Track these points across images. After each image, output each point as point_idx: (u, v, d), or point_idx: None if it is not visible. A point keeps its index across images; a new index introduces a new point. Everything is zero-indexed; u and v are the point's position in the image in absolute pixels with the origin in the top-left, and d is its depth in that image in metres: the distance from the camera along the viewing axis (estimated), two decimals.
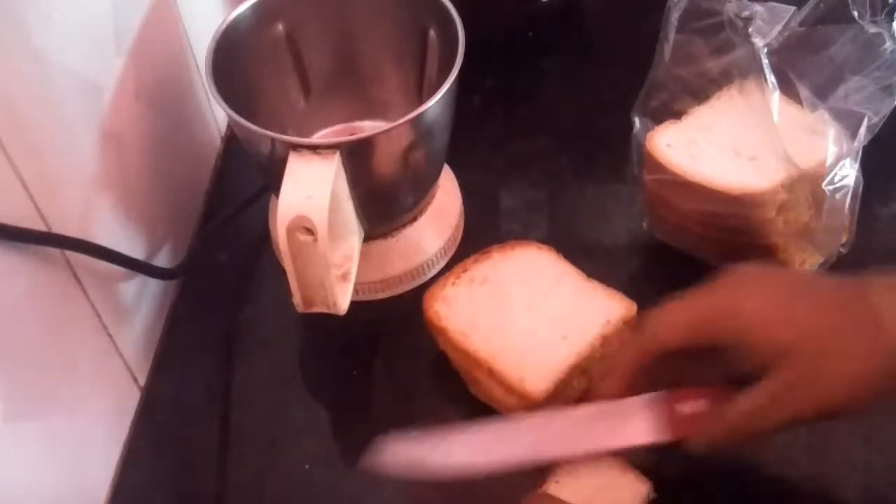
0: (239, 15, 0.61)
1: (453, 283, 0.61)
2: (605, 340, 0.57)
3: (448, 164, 0.69)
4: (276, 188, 0.53)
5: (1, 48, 0.46)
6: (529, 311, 0.59)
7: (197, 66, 0.72)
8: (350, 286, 0.57)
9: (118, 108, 0.59)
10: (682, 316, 0.49)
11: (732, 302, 0.48)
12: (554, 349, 0.56)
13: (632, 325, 0.56)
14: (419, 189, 0.64)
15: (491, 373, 0.56)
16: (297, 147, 0.53)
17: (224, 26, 0.60)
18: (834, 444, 0.56)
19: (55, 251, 0.52)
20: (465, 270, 0.61)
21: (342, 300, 0.56)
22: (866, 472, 0.55)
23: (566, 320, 0.58)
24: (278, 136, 0.55)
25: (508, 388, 0.55)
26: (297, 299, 0.55)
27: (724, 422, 0.47)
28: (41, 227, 0.50)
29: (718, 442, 0.48)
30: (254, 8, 0.62)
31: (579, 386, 0.58)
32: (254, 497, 0.57)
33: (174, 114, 0.69)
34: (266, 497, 0.57)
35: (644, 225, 0.67)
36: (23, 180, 0.48)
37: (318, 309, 0.56)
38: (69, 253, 0.53)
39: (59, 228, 0.51)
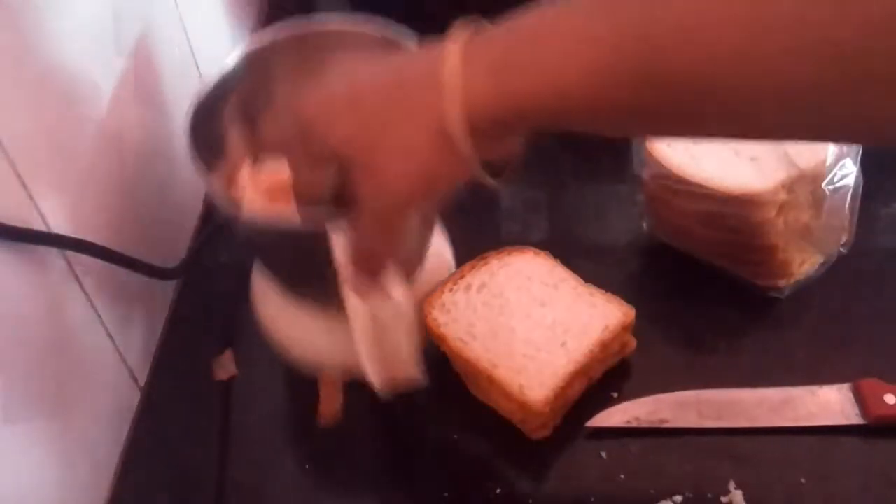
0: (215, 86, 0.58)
1: (451, 290, 0.60)
2: (604, 346, 0.57)
3: None
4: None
5: (1, 49, 0.46)
6: (528, 317, 0.58)
7: (197, 66, 0.72)
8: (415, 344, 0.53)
9: (118, 108, 0.59)
10: (311, 172, 0.45)
11: (305, 120, 0.43)
12: (553, 356, 0.56)
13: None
14: None
15: (491, 380, 0.56)
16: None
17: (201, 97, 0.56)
18: (835, 443, 0.56)
19: (55, 251, 0.52)
20: (461, 277, 0.61)
21: (419, 366, 0.52)
22: (865, 473, 0.55)
23: (565, 327, 0.58)
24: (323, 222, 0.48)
25: (508, 395, 0.55)
26: (378, 383, 0.51)
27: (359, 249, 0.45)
28: (41, 227, 0.50)
29: (371, 263, 0.46)
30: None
31: (580, 388, 0.58)
32: (254, 497, 0.57)
33: (174, 114, 0.69)
34: (266, 497, 0.57)
35: (644, 225, 0.67)
36: (23, 180, 0.48)
37: (401, 387, 0.52)
38: (69, 253, 0.53)
39: (59, 228, 0.51)
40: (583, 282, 0.61)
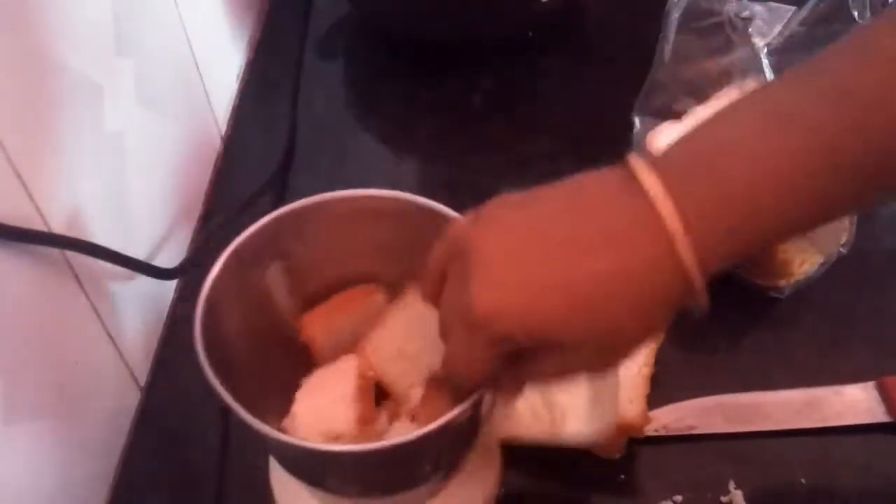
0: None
1: None
2: (656, 339, 0.57)
3: (448, 163, 0.68)
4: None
5: (2, 49, 0.46)
6: None
7: (197, 66, 0.72)
8: None
9: (118, 108, 0.59)
10: (478, 362, 0.40)
11: (513, 323, 0.38)
12: (622, 371, 0.54)
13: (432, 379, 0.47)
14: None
15: None
16: None
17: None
18: (833, 442, 0.56)
19: (55, 251, 0.52)
20: None
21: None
22: (866, 472, 0.55)
23: None
24: None
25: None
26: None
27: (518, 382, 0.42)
28: (41, 227, 0.50)
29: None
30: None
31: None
32: (254, 497, 0.57)
33: (174, 114, 0.69)
34: (266, 497, 0.57)
35: None
36: (23, 180, 0.48)
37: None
38: (69, 253, 0.53)
39: (59, 228, 0.51)
40: None
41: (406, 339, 0.51)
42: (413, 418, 0.49)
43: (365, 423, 0.48)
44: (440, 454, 0.47)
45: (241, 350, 0.46)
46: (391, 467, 0.46)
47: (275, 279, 0.50)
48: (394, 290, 0.53)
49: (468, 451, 0.50)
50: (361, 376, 0.50)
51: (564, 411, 0.52)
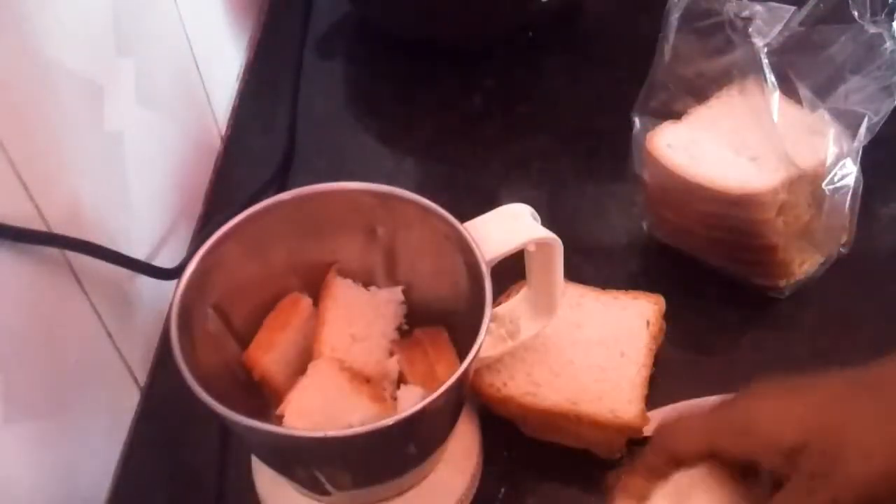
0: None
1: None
2: (655, 339, 0.58)
3: (448, 163, 0.68)
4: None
5: (2, 49, 0.46)
6: (574, 344, 0.57)
7: (197, 66, 0.72)
8: None
9: (118, 108, 0.59)
10: (696, 431, 0.47)
11: (743, 414, 0.46)
12: (621, 370, 0.55)
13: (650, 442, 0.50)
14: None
15: (579, 419, 0.54)
16: None
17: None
18: None
19: (55, 251, 0.52)
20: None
21: None
22: None
23: (613, 338, 0.57)
24: None
25: (600, 425, 0.54)
26: None
27: None
28: (41, 227, 0.50)
29: None
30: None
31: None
32: (254, 497, 0.57)
33: (174, 114, 0.69)
34: None
35: (644, 225, 0.67)
36: (23, 180, 0.48)
37: None
38: (69, 253, 0.53)
39: (59, 228, 0.51)
40: (599, 289, 0.60)
41: (351, 323, 0.52)
42: (406, 382, 0.50)
43: (378, 401, 0.49)
44: (444, 417, 0.48)
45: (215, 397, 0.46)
46: (402, 435, 0.46)
47: (216, 326, 0.51)
48: (313, 288, 0.53)
49: (454, 425, 0.50)
50: (342, 369, 0.50)
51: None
